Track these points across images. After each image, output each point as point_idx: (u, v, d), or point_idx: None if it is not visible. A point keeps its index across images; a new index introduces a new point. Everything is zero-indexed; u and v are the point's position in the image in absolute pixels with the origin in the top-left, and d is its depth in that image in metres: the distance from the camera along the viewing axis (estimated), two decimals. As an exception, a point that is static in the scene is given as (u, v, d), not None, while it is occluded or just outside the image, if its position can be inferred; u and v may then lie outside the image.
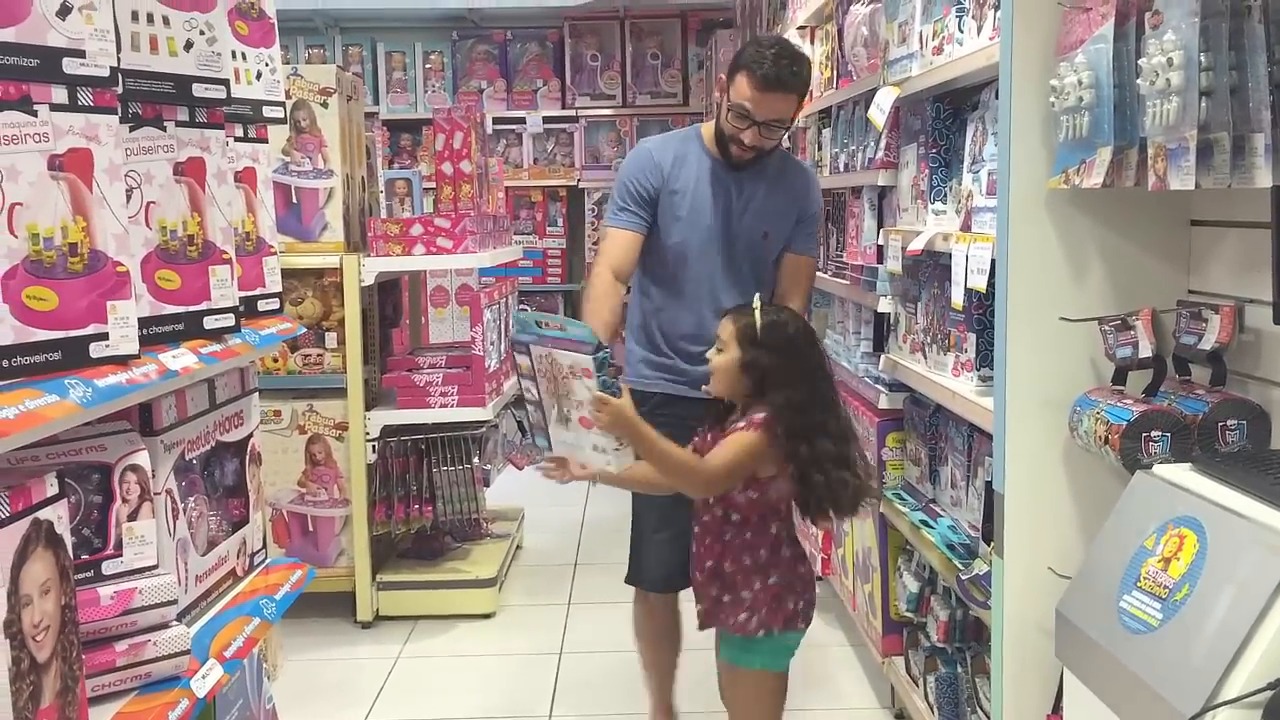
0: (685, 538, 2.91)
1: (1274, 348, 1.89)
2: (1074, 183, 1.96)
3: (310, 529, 4.27)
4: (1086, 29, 1.93)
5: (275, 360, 4.20)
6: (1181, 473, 1.75)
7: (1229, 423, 1.85)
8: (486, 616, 4.34)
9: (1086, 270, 2.11)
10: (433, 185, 4.58)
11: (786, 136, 3.44)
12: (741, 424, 2.36)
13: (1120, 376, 2.01)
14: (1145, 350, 1.94)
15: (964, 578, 2.59)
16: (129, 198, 1.53)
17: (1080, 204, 2.09)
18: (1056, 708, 2.04)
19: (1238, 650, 1.41)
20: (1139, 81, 1.76)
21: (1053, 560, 2.07)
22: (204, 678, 1.58)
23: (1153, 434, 1.84)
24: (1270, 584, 1.42)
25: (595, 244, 7.89)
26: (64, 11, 1.35)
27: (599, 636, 4.05)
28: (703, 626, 2.55)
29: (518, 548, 5.10)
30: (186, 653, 1.56)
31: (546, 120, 7.73)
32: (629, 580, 3.15)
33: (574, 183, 7.84)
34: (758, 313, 2.38)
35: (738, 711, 2.56)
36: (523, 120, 7.71)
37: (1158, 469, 1.79)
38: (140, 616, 1.50)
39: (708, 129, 3.09)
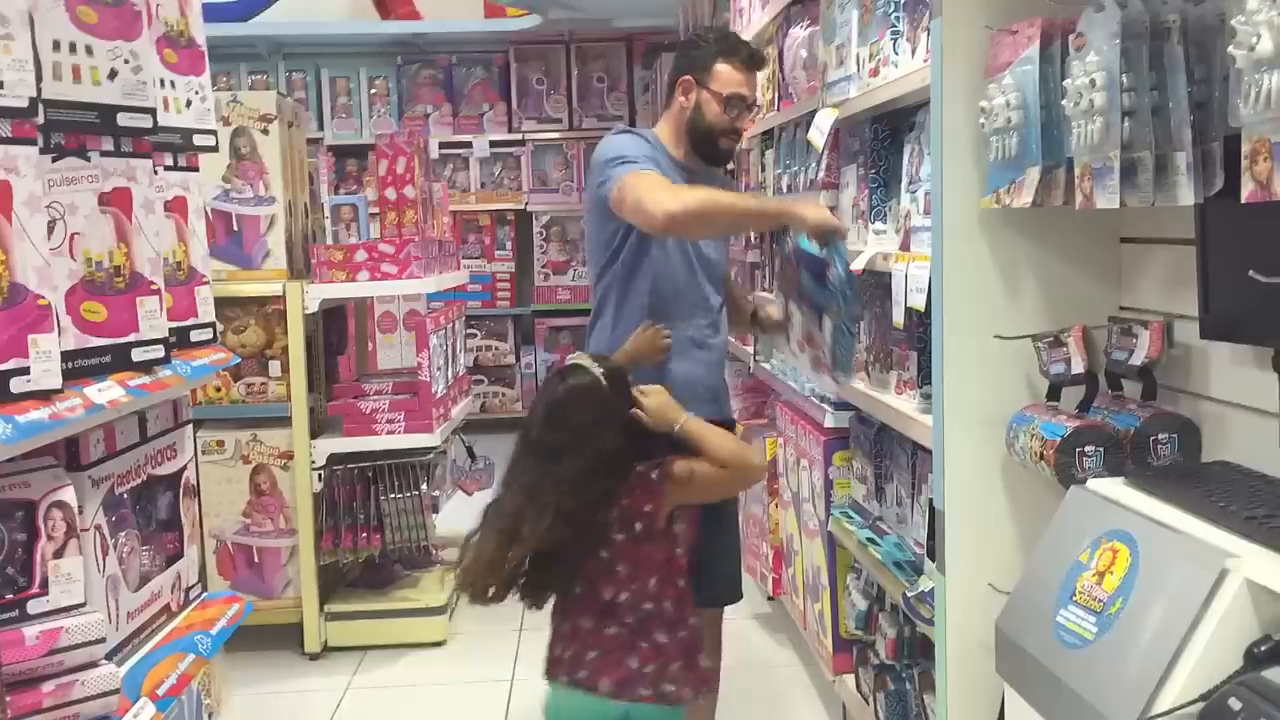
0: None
1: (1202, 362, 1.92)
2: (1005, 202, 1.99)
3: (256, 560, 4.22)
4: (1013, 51, 1.96)
5: (218, 389, 4.15)
6: (1115, 487, 1.77)
7: (1160, 436, 1.88)
8: (437, 645, 4.31)
9: (1020, 288, 2.14)
10: (378, 211, 4.56)
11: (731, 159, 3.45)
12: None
13: (1054, 393, 2.04)
14: (1077, 367, 1.96)
15: (909, 595, 2.60)
16: (51, 229, 1.51)
17: (1013, 223, 2.12)
18: (1000, 723, 2.05)
19: (1169, 662, 1.42)
20: (1064, 102, 1.79)
21: (993, 576, 2.08)
22: (135, 717, 1.55)
23: (1086, 449, 1.86)
24: (1199, 597, 1.43)
25: (544, 266, 7.90)
26: (-20, 42, 1.34)
27: (550, 662, 4.02)
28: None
29: (468, 574, 5.06)
30: (116, 692, 1.53)
31: (493, 144, 7.73)
32: None
33: (522, 206, 7.84)
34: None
35: None
36: (469, 144, 7.70)
37: (1091, 483, 1.81)
38: (67, 656, 1.47)
39: (664, 133, 2.96)
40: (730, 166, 3.75)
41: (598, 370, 2.29)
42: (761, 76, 2.92)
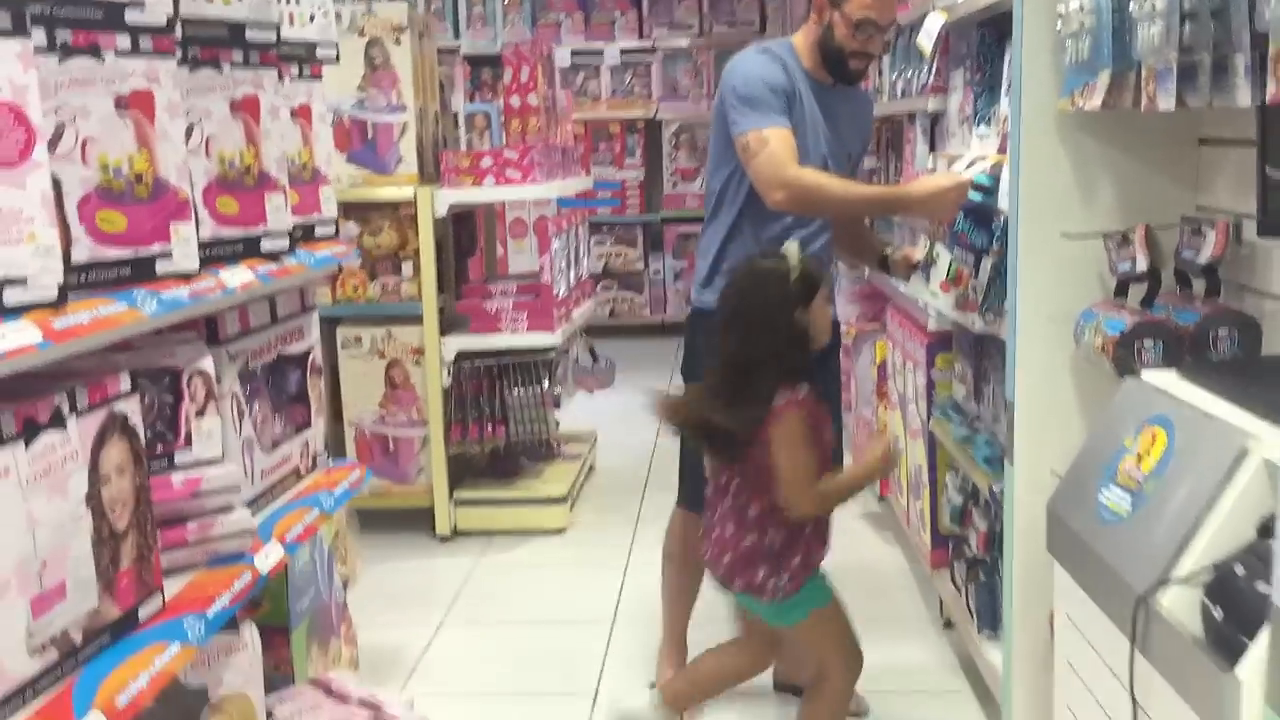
0: None
1: (1266, 260, 1.97)
2: (1079, 105, 2.04)
3: (391, 448, 4.51)
4: (1090, -45, 2.00)
5: (355, 289, 4.42)
6: (1166, 378, 1.85)
7: (1219, 332, 1.94)
8: (558, 532, 4.54)
9: (1097, 189, 2.20)
10: (505, 118, 4.74)
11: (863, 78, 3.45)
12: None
13: (1122, 290, 2.11)
14: (1142, 264, 2.03)
15: (996, 488, 2.71)
16: (190, 133, 1.72)
17: (1091, 126, 2.17)
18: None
19: (1188, 535, 1.53)
20: (1130, 6, 1.84)
21: (1057, 464, 2.18)
22: (266, 556, 1.80)
23: (1145, 343, 1.94)
24: (1220, 475, 1.53)
25: (673, 174, 8.01)
26: (124, -34, 1.54)
27: (663, 551, 4.23)
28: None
29: (590, 469, 5.30)
30: (249, 532, 1.78)
31: (624, 52, 7.81)
32: (688, 505, 3.09)
33: (651, 114, 7.92)
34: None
35: (812, 656, 2.61)
36: (600, 52, 7.80)
37: (1145, 375, 1.89)
38: (207, 500, 1.72)
39: (800, 45, 2.95)
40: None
41: (794, 263, 2.39)
42: None
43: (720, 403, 2.39)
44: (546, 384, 4.55)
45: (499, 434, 4.52)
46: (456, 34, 7.72)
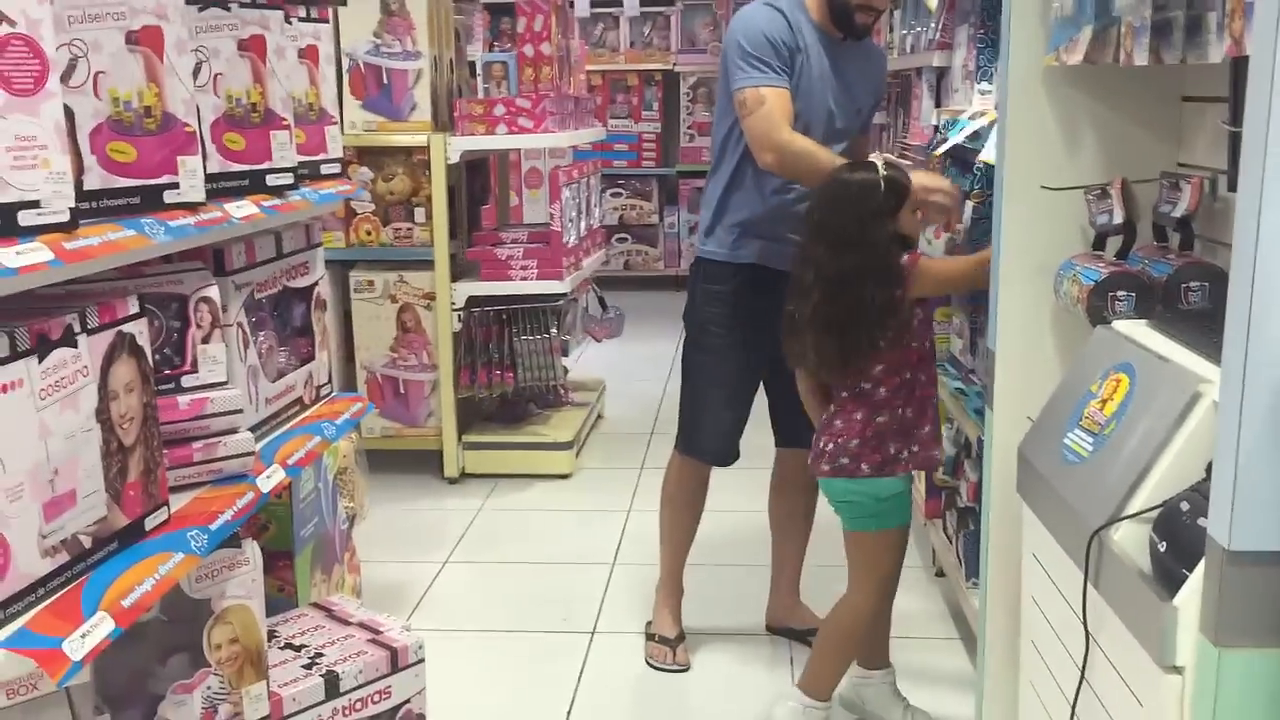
0: (747, 412, 3.12)
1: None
2: (1063, 60, 2.09)
3: (401, 391, 4.61)
4: (1078, -88, 2.04)
5: (369, 234, 4.50)
6: (1135, 327, 1.92)
7: (1191, 284, 1.99)
8: (564, 477, 4.65)
9: (1081, 144, 2.25)
10: (519, 67, 4.79)
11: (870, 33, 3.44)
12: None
13: (1100, 242, 2.16)
14: (1118, 217, 2.09)
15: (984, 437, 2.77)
16: (198, 70, 1.80)
17: (1077, 81, 2.22)
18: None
19: (1141, 473, 1.60)
20: (1111, -38, 1.88)
21: (1034, 411, 2.25)
22: (268, 477, 1.89)
23: (1118, 294, 2.00)
24: (1173, 416, 1.60)
25: (690, 128, 8.03)
26: (135, -92, 1.61)
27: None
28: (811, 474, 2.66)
29: (598, 416, 5.40)
30: (252, 454, 1.88)
31: (643, 3, 7.82)
32: (686, 450, 3.15)
33: (670, 67, 7.94)
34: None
35: (852, 569, 2.66)
36: (619, 3, 7.81)
37: (1116, 324, 1.95)
38: (212, 421, 1.81)
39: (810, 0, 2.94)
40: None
41: (881, 173, 2.46)
42: None
43: (832, 325, 2.44)
44: (555, 331, 4.63)
45: (508, 379, 4.61)
46: (476, -17, 7.73)
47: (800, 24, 2.88)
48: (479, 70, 5.15)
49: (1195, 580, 1.40)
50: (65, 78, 1.53)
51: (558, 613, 3.47)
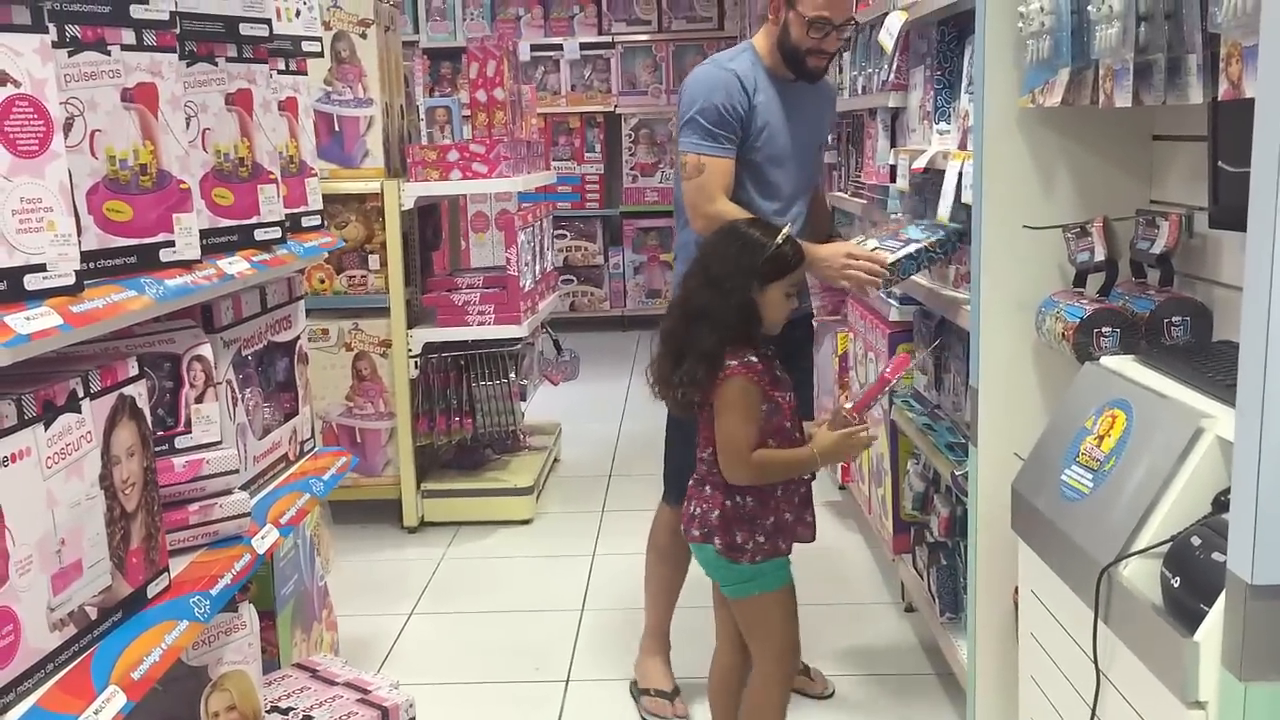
0: None
1: (1216, 250, 2.07)
2: (1039, 102, 2.14)
3: (358, 440, 4.55)
4: (1050, -42, 2.09)
5: (322, 281, 4.45)
6: (1124, 363, 1.95)
7: (1173, 319, 2.04)
8: (525, 522, 4.59)
9: (1056, 182, 2.30)
10: (470, 113, 4.78)
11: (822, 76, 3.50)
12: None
13: (1080, 279, 2.21)
14: (1100, 254, 2.13)
15: (958, 473, 2.80)
16: (188, 125, 1.77)
17: (1050, 122, 2.27)
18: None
19: (1147, 509, 1.62)
20: (1089, 8, 1.93)
21: (1019, 447, 2.28)
22: (263, 538, 1.85)
23: (1103, 330, 2.04)
24: (1177, 452, 1.62)
25: (633, 169, 8.07)
26: (129, -36, 1.58)
27: (630, 541, 4.26)
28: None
29: (555, 460, 5.36)
30: (247, 515, 1.83)
31: (583, 47, 7.87)
32: (677, 501, 2.95)
33: (611, 109, 7.99)
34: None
35: (749, 640, 2.56)
36: (559, 47, 7.86)
37: (1104, 360, 1.98)
38: (208, 483, 1.77)
39: (761, 46, 3.02)
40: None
41: (776, 241, 2.40)
42: None
43: (667, 349, 2.43)
44: (513, 376, 4.61)
45: (466, 426, 4.57)
46: (416, 28, 7.75)
47: (755, 77, 2.95)
48: (422, 115, 5.14)
49: (1216, 615, 1.42)
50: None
51: (529, 662, 3.42)
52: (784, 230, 2.46)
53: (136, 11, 1.59)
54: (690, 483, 2.53)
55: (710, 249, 2.47)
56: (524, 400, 4.95)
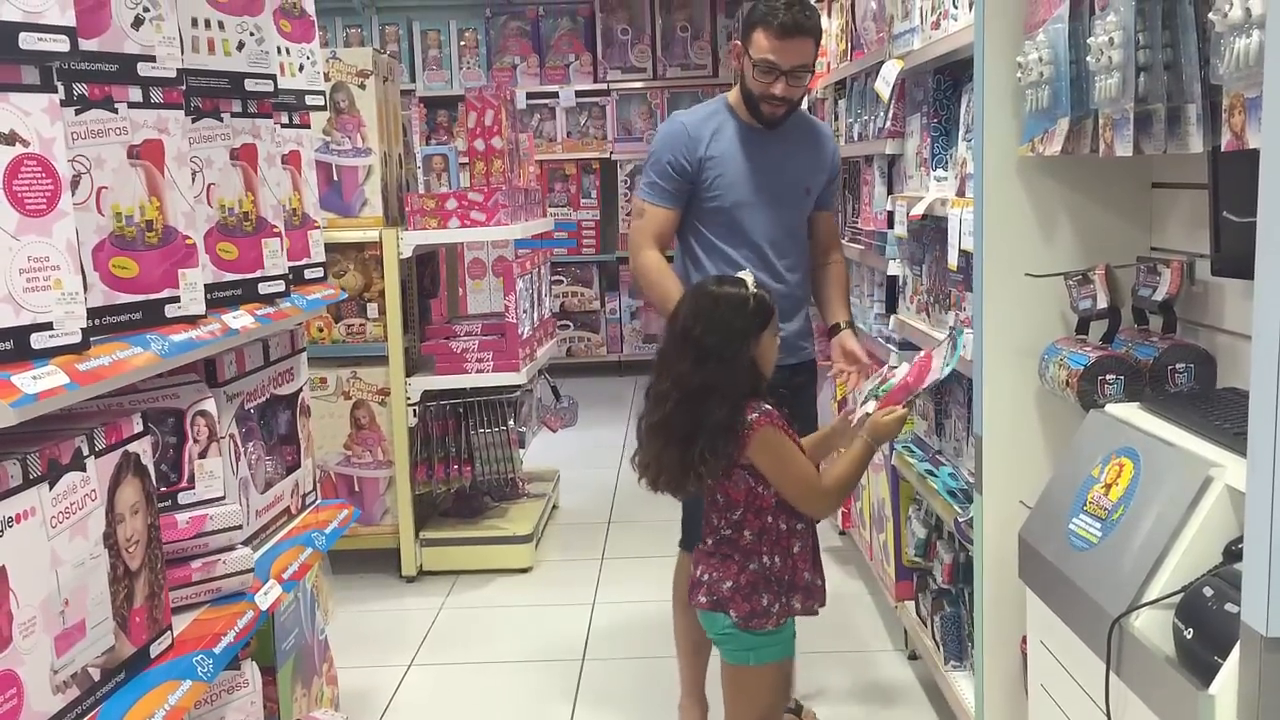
0: None
1: (1218, 297, 2.08)
2: (1039, 150, 2.15)
3: (356, 489, 4.53)
4: (1048, 9, 2.12)
5: (321, 330, 4.45)
6: (1129, 410, 1.95)
7: (1177, 366, 2.04)
8: (524, 571, 4.56)
9: (1056, 230, 2.31)
10: (468, 160, 4.81)
11: (807, 106, 3.55)
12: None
13: (1083, 326, 2.21)
14: (1102, 301, 2.13)
15: (961, 520, 2.79)
16: (194, 180, 1.77)
17: (1050, 170, 2.28)
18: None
19: (1158, 559, 1.61)
20: (1088, 59, 1.95)
21: (1025, 495, 2.27)
22: (266, 594, 1.83)
23: (1107, 377, 2.04)
24: (1186, 501, 1.62)
25: (629, 215, 8.10)
26: (137, 23, 1.59)
27: (631, 588, 4.27)
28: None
29: (554, 507, 5.34)
30: (250, 571, 1.82)
31: (579, 94, 7.93)
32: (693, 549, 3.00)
33: (607, 155, 8.04)
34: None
35: (730, 703, 2.49)
36: (555, 95, 7.91)
37: (1109, 408, 1.98)
38: (211, 539, 1.76)
39: (734, 96, 3.08)
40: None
41: (752, 290, 2.36)
42: (809, 42, 2.92)
43: (669, 439, 2.34)
44: (512, 423, 4.59)
45: (465, 474, 4.55)
46: (412, 76, 7.81)
47: (715, 126, 3.04)
48: (419, 163, 5.16)
49: (1230, 667, 1.40)
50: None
51: (532, 714, 3.39)
52: (744, 274, 2.44)
53: (144, 69, 1.60)
54: (700, 547, 2.47)
55: (688, 324, 2.35)
56: (523, 447, 4.93)
